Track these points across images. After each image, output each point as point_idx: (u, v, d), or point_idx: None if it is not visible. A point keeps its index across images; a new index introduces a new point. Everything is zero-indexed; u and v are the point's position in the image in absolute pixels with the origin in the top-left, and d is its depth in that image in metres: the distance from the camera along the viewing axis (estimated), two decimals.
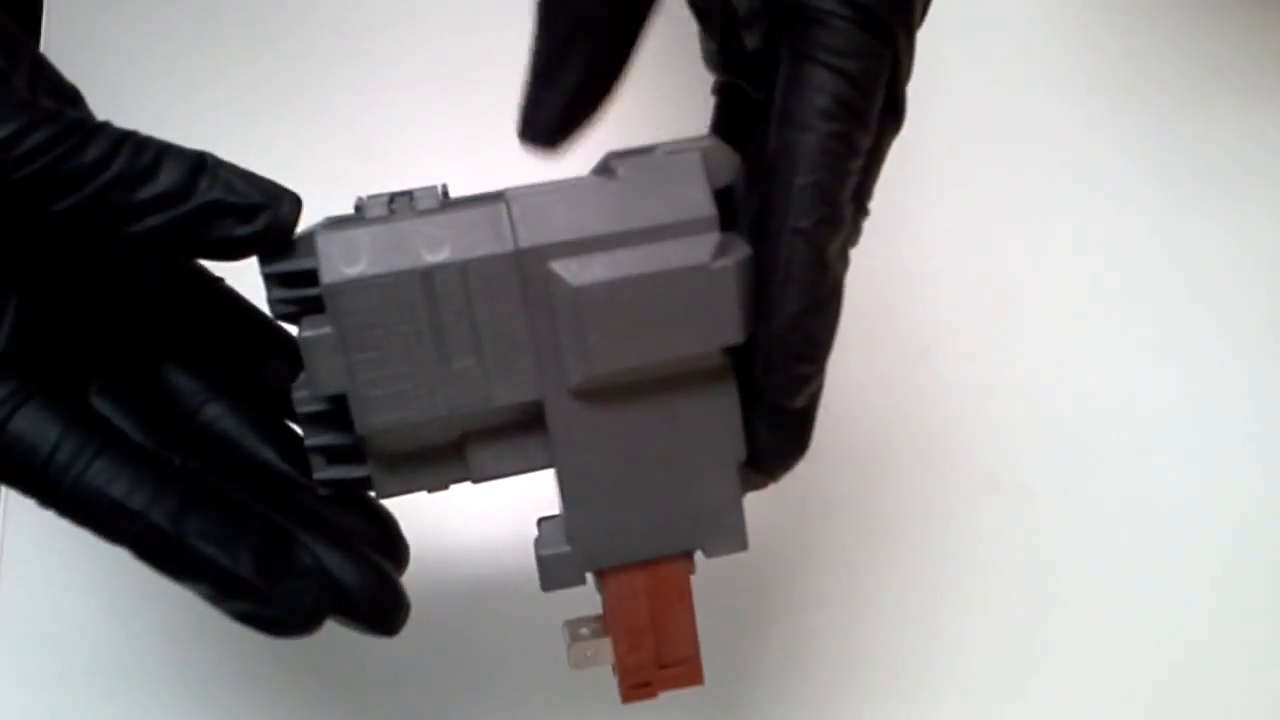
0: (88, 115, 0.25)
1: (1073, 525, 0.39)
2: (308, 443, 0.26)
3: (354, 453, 0.26)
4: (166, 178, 0.23)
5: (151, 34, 0.38)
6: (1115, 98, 0.43)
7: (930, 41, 0.26)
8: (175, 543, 0.24)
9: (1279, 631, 0.38)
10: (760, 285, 0.25)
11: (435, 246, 0.24)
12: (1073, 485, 0.39)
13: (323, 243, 0.24)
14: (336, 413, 0.25)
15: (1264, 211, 0.42)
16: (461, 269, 0.24)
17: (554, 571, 0.26)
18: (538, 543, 0.27)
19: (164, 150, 0.23)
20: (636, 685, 0.27)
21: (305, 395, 0.25)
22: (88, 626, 0.37)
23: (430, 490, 0.27)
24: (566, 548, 0.26)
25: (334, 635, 0.26)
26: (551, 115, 0.24)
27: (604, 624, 0.27)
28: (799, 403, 0.26)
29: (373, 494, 0.26)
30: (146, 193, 0.23)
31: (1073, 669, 0.37)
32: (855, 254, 0.26)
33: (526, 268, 0.24)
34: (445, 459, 0.26)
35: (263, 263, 0.25)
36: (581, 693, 0.36)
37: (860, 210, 0.26)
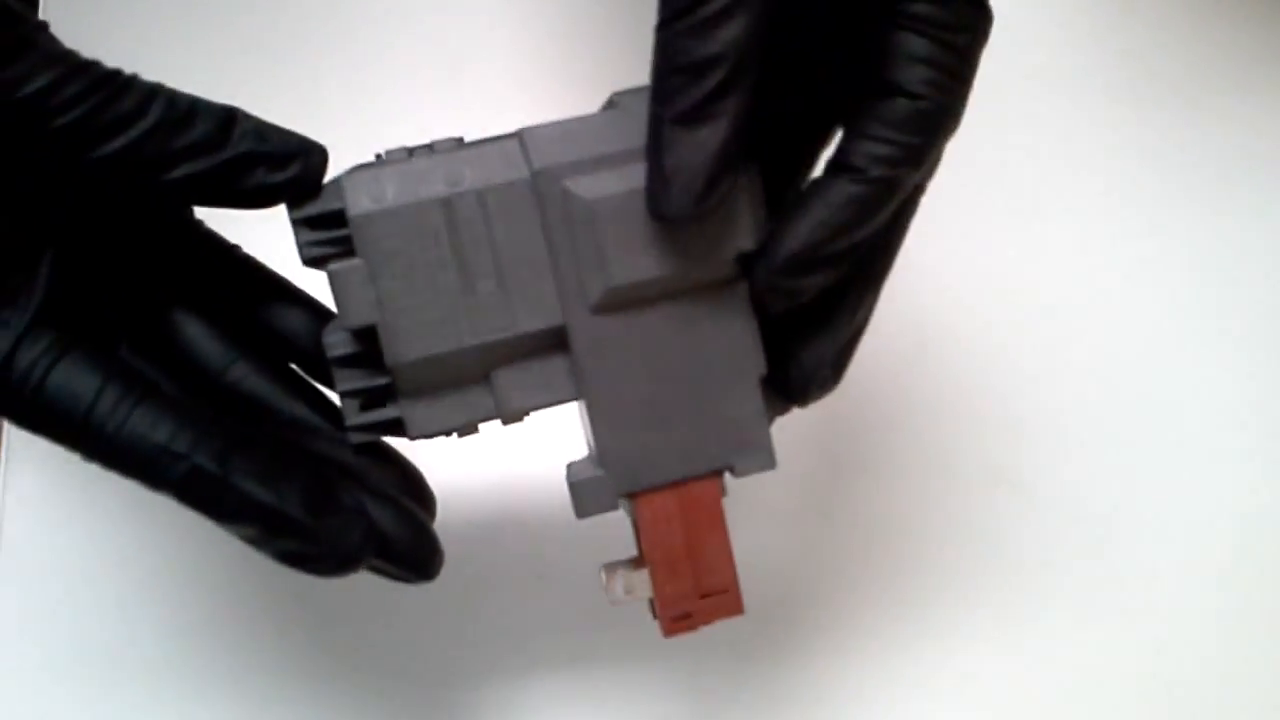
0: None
1: (1073, 519, 0.39)
2: (340, 388, 0.26)
3: (385, 394, 0.26)
4: (201, 127, 0.25)
5: (149, 33, 0.40)
6: (1117, 95, 0.43)
7: None
8: (221, 483, 0.24)
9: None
10: (792, 207, 0.25)
11: (455, 178, 0.26)
12: (1073, 479, 0.39)
13: (348, 182, 0.25)
14: (366, 354, 0.26)
15: (1267, 209, 0.43)
16: (480, 196, 0.25)
17: (587, 498, 0.27)
18: (569, 473, 0.27)
19: (195, 102, 0.25)
20: (677, 618, 0.27)
21: (336, 338, 0.26)
22: (85, 621, 0.36)
23: (461, 433, 0.27)
24: (599, 472, 0.27)
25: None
26: (697, 171, 0.23)
27: (639, 559, 0.27)
28: (775, 310, 0.26)
29: (405, 437, 0.27)
30: (183, 141, 0.24)
31: (1073, 661, 0.37)
32: None
33: (542, 189, 0.26)
34: (473, 396, 0.27)
35: (292, 209, 0.26)
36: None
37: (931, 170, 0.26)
